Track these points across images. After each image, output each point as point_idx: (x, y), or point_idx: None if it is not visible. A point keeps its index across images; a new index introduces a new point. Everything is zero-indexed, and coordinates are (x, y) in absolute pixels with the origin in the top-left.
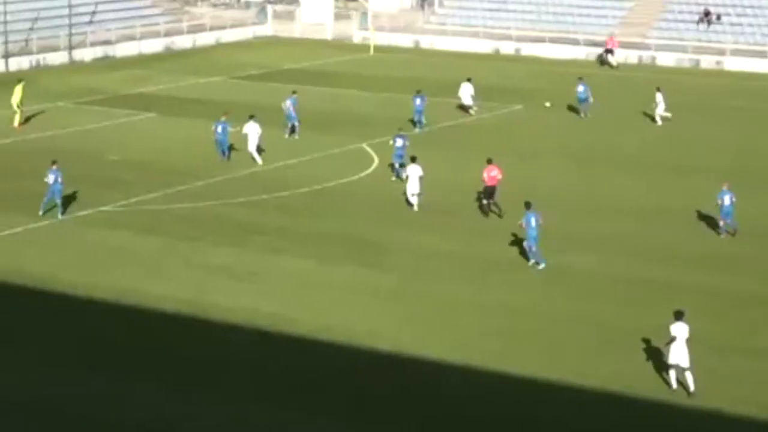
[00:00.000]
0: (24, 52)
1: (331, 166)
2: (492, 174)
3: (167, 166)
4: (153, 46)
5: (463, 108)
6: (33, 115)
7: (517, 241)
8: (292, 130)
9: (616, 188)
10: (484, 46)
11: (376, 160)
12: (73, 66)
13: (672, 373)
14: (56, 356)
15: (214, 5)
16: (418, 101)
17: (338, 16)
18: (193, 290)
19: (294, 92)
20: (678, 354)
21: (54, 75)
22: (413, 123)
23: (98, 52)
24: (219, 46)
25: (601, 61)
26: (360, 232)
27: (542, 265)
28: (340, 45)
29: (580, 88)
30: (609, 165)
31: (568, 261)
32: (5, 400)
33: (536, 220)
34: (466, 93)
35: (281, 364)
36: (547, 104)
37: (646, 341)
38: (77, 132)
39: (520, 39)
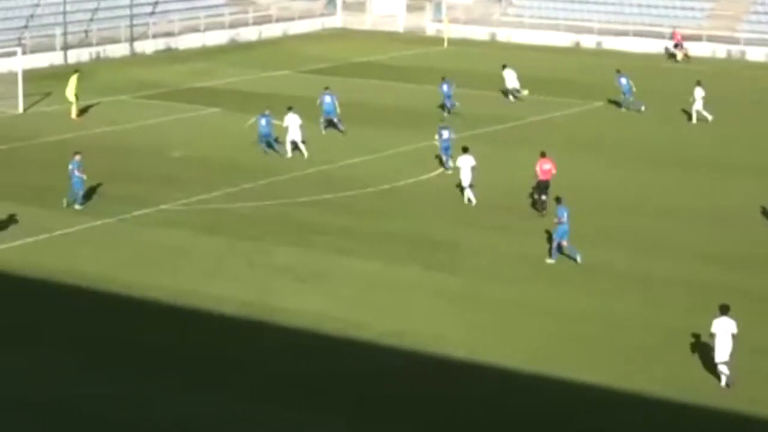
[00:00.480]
0: (83, 43)
1: (400, 165)
2: (545, 167)
3: (231, 163)
4: (217, 38)
5: (507, 93)
6: (89, 107)
7: (592, 244)
8: (330, 124)
9: (682, 188)
10: (564, 40)
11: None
12: (134, 58)
13: (724, 369)
14: (98, 357)
15: None
16: (445, 87)
17: (411, 8)
18: (255, 292)
19: (326, 88)
20: (723, 350)
21: (114, 68)
22: (443, 108)
23: (160, 44)
24: (286, 39)
25: (669, 54)
26: (429, 232)
27: (579, 257)
28: (413, 38)
29: (623, 81)
30: (680, 164)
31: (644, 267)
32: (33, 401)
33: (567, 215)
34: (511, 78)
35: (346, 367)
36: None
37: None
38: (138, 127)
39: (602, 32)
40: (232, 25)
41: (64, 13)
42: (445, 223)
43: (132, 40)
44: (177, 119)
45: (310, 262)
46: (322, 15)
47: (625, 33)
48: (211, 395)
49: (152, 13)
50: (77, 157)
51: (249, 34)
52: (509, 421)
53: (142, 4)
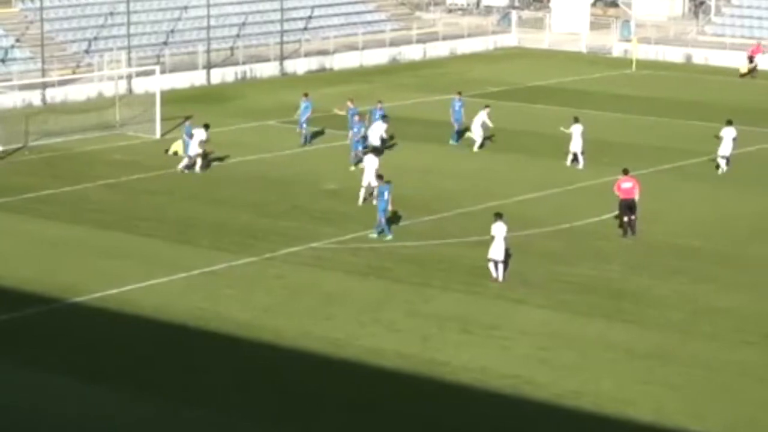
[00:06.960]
0: (228, 62)
1: (581, 201)
2: (625, 186)
3: (393, 197)
4: (376, 56)
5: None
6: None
7: None
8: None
9: None
10: None
11: (635, 197)
12: (284, 79)
13: (491, 265)
14: (251, 409)
15: (450, 10)
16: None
17: (595, 25)
18: (416, 344)
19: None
20: (496, 250)
21: (262, 89)
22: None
23: (313, 63)
24: (453, 58)
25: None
26: (616, 280)
27: (389, 236)
28: (597, 59)
29: (456, 105)
30: None
31: None
32: None
33: (389, 193)
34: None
35: (515, 430)
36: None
37: None
38: (287, 156)
39: None
40: (394, 43)
41: (208, 28)
42: (632, 268)
43: (282, 58)
44: (330, 147)
45: (479, 311)
46: (494, 32)
47: None
48: None
49: (305, 29)
50: None
51: (412, 53)
52: None
53: (293, 19)
